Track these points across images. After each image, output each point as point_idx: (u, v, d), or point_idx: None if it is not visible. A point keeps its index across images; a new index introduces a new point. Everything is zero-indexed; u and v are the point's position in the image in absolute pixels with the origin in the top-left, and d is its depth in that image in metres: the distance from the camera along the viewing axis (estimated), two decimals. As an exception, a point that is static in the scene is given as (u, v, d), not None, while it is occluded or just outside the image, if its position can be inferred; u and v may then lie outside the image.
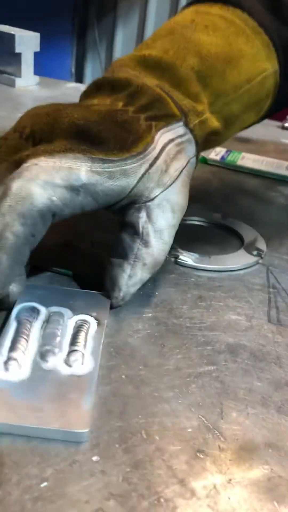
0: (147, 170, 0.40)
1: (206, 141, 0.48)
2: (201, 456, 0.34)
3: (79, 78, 2.84)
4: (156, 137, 0.42)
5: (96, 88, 0.46)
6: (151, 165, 0.41)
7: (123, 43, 2.70)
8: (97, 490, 0.31)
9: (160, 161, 0.41)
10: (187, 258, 0.56)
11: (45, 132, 0.40)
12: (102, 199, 0.39)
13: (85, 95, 0.47)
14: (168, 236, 0.43)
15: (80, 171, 0.37)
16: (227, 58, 0.46)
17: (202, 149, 0.48)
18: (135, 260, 0.42)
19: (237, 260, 0.57)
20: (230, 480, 0.33)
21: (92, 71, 2.87)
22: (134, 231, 0.42)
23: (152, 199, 0.41)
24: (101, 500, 0.31)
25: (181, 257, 0.55)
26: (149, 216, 0.41)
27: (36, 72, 1.20)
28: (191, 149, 0.45)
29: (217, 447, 0.35)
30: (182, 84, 0.45)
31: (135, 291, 0.45)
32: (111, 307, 0.44)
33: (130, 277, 0.43)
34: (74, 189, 0.37)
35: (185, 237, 0.55)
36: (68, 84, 1.29)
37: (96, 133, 0.39)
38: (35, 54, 1.17)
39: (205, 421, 0.37)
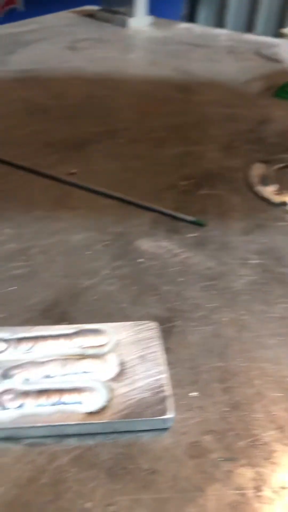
0: None
1: None
2: (303, 406, 0.33)
3: (191, 21, 2.73)
4: None
5: None
6: None
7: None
8: (195, 424, 0.32)
9: None
10: (299, 206, 0.52)
11: None
12: None
13: None
14: None
15: None
16: None
17: None
18: None
19: None
20: None
21: (206, 15, 2.74)
22: None
23: None
24: (198, 434, 0.31)
25: (292, 205, 0.52)
26: None
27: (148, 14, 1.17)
28: None
29: None
30: None
31: None
32: None
33: None
34: None
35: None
36: (180, 25, 1.24)
37: None
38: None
39: (309, 373, 0.35)
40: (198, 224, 0.49)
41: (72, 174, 0.57)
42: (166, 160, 0.61)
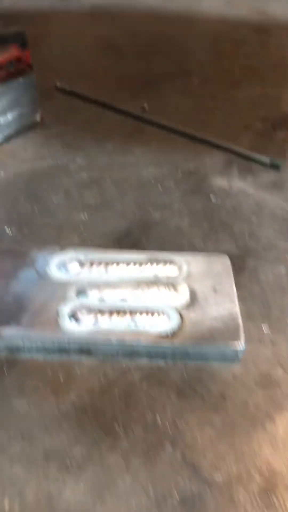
0: None
1: None
2: None
3: None
4: None
5: None
6: None
7: None
8: (265, 357, 0.31)
9: None
10: None
11: None
12: None
13: None
14: None
15: None
16: None
17: None
18: None
19: None
20: None
21: None
22: None
23: None
24: (269, 367, 0.31)
25: None
26: None
27: None
28: None
29: None
30: None
31: None
32: None
33: None
34: None
35: None
36: None
37: None
38: None
39: None
40: (273, 165, 0.48)
41: (142, 109, 0.56)
42: (241, 101, 0.59)
